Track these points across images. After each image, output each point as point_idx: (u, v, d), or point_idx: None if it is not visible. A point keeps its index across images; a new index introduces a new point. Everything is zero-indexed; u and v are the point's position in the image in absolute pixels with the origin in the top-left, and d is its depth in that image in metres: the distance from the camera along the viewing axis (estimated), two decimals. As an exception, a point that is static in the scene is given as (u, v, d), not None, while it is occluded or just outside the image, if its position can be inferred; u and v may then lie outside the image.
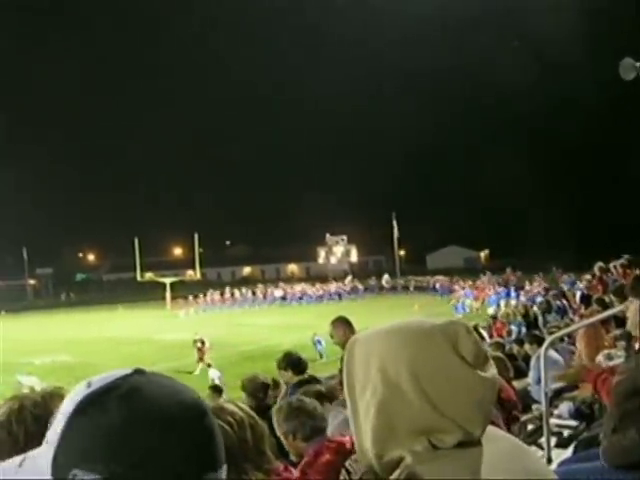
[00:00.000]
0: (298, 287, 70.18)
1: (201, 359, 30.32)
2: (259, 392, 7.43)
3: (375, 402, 1.32)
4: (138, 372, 1.15)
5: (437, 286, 65.19)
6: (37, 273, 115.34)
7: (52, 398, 2.14)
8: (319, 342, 29.14)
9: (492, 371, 1.36)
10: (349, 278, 72.45)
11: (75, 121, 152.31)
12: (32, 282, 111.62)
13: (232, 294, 68.10)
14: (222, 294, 68.31)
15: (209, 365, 26.88)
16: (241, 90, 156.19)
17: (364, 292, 68.14)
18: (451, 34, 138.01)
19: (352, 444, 1.46)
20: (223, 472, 1.11)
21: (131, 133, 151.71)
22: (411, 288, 69.50)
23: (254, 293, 68.66)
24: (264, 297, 67.66)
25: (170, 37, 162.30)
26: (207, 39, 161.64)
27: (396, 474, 1.27)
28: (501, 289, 48.45)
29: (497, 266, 71.18)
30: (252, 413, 3.15)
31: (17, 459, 1.10)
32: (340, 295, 66.67)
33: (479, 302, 46.14)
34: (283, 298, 66.97)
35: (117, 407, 1.04)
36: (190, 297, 65.65)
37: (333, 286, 69.61)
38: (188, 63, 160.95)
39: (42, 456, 1.07)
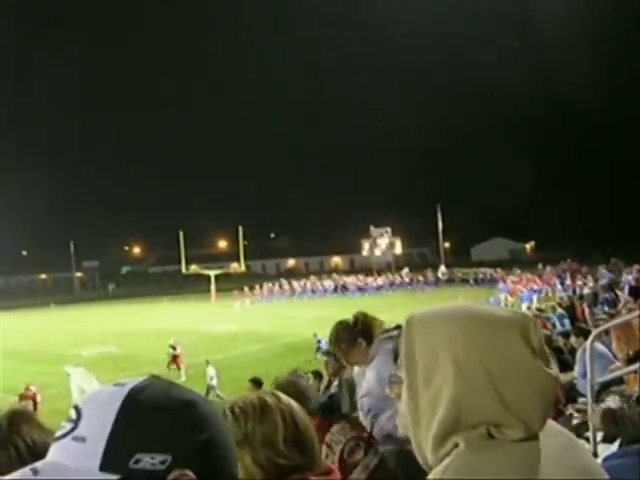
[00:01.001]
0: (348, 279, 69.96)
1: (174, 363, 29.00)
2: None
3: (448, 394, 1.25)
4: (156, 377, 1.22)
5: (481, 278, 64.70)
6: (84, 266, 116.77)
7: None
8: (319, 342, 28.45)
9: (555, 368, 1.32)
10: (406, 270, 71.87)
11: (123, 116, 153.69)
12: (79, 275, 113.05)
13: (284, 285, 68.20)
14: (281, 286, 68.42)
15: (207, 362, 25.74)
16: (285, 86, 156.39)
17: (407, 285, 67.65)
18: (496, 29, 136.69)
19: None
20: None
21: (177, 127, 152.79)
22: (456, 280, 68.90)
23: (304, 285, 68.65)
24: (324, 289, 67.50)
25: (219, 30, 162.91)
26: (255, 33, 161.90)
27: (447, 461, 1.23)
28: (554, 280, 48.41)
29: (542, 258, 70.43)
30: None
31: (26, 469, 1.09)
32: (384, 287, 66.44)
33: (514, 297, 45.48)
34: (344, 288, 66.65)
35: (167, 395, 1.15)
36: (246, 288, 65.88)
37: (382, 279, 69.29)
38: (233, 57, 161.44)
39: (74, 455, 1.10)
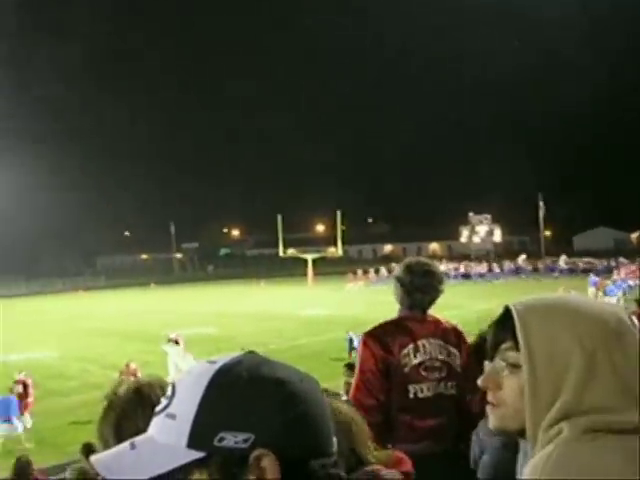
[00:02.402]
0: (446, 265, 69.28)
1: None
2: None
3: (573, 379, 1.28)
4: (252, 353, 1.22)
5: (585, 268, 62.82)
6: (183, 247, 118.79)
7: (150, 386, 2.05)
8: (351, 340, 27.72)
9: None
10: (523, 257, 70.40)
11: (219, 101, 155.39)
12: (179, 256, 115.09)
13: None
14: (390, 270, 67.87)
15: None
16: (389, 68, 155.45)
17: (505, 273, 66.35)
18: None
19: None
20: (336, 443, 1.20)
21: (274, 110, 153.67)
22: (556, 271, 67.09)
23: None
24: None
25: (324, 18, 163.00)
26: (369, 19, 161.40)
27: (549, 449, 1.25)
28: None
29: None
30: None
31: (125, 444, 1.16)
32: (484, 275, 65.44)
33: (600, 291, 43.79)
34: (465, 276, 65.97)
35: (256, 374, 1.14)
36: (359, 271, 66.17)
37: (484, 266, 68.34)
38: (347, 40, 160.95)
39: (165, 432, 1.14)
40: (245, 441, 1.09)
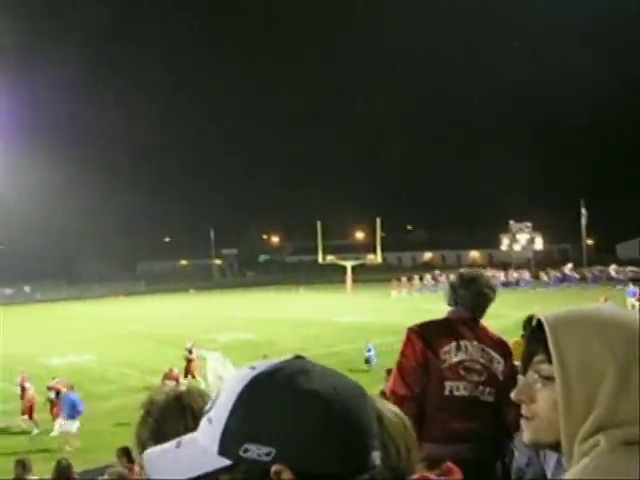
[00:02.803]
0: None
1: (189, 372, 25.77)
2: None
3: (607, 391, 1.25)
4: (299, 357, 1.19)
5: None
6: (223, 253, 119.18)
7: (189, 393, 2.07)
8: (369, 350, 27.53)
9: None
10: (569, 266, 69.50)
11: (261, 109, 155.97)
12: (218, 262, 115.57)
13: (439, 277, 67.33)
14: (434, 277, 67.55)
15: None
16: (426, 77, 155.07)
17: (550, 282, 65.53)
18: None
19: None
20: (378, 457, 1.16)
21: (319, 119, 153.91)
22: (603, 280, 65.81)
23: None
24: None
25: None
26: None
27: (585, 461, 1.23)
28: None
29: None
30: None
31: (173, 442, 1.19)
32: (521, 283, 64.84)
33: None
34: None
35: (287, 385, 1.11)
36: (403, 278, 65.88)
37: (527, 274, 67.75)
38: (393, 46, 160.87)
39: (204, 436, 1.15)
40: (267, 455, 1.08)
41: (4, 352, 35.62)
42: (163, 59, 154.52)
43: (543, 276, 66.88)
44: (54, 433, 19.32)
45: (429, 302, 51.60)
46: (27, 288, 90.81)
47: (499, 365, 4.32)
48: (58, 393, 20.71)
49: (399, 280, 65.22)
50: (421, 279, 67.46)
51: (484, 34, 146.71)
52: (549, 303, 31.19)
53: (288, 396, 1.10)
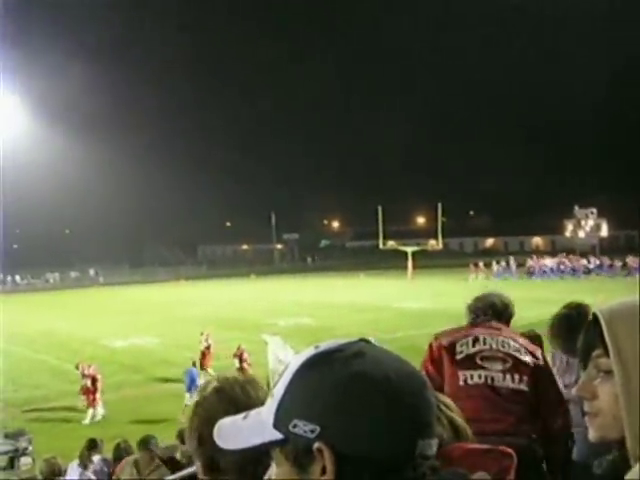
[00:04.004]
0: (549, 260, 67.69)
1: (203, 366, 24.29)
2: None
3: None
4: (364, 341, 1.21)
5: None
6: (284, 238, 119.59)
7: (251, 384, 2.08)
8: None
9: None
10: (632, 258, 67.86)
11: (321, 96, 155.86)
12: (279, 247, 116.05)
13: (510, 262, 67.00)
14: (507, 262, 67.39)
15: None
16: (492, 65, 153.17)
17: (610, 269, 64.16)
18: None
19: None
20: (435, 444, 1.17)
21: (380, 104, 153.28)
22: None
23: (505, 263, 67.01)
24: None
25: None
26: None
27: None
28: None
29: None
30: None
31: (242, 414, 1.26)
32: (590, 271, 63.68)
33: None
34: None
35: (340, 366, 1.13)
36: (480, 263, 65.53)
37: (592, 261, 66.56)
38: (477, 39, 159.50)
39: (266, 409, 1.19)
40: (312, 432, 1.10)
41: (70, 334, 36.37)
42: (234, 48, 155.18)
43: (606, 261, 65.57)
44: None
45: (504, 287, 50.99)
46: (92, 271, 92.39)
47: (527, 355, 4.27)
48: (94, 381, 20.71)
49: (476, 265, 64.66)
50: (498, 262, 67.00)
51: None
52: (613, 291, 30.53)
53: (338, 376, 1.12)
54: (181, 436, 11.47)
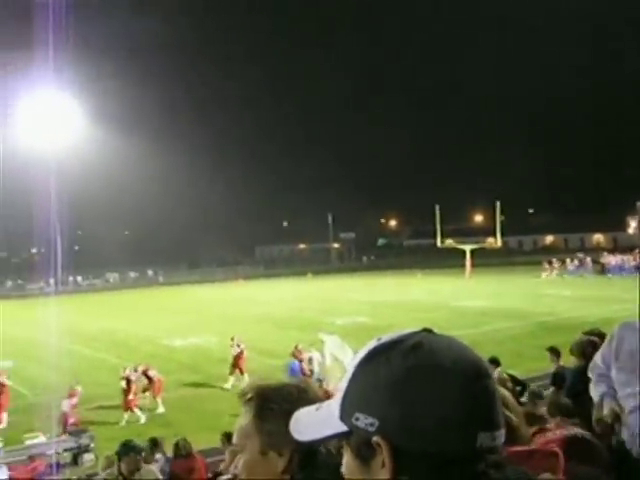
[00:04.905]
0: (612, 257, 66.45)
1: (235, 367, 24.30)
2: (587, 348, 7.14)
3: None
4: (427, 331, 1.22)
5: None
6: (341, 237, 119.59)
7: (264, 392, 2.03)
8: None
9: None
10: None
11: (384, 95, 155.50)
12: (336, 246, 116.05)
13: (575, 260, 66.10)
14: (573, 259, 66.51)
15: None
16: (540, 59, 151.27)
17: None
18: None
19: None
20: (500, 436, 1.14)
21: (437, 100, 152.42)
22: None
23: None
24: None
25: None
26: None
27: None
28: None
29: None
30: None
31: (315, 405, 1.29)
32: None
33: None
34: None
35: (400, 358, 1.13)
36: (554, 260, 64.68)
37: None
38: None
39: (335, 401, 1.21)
40: (371, 425, 1.11)
41: (129, 333, 36.87)
42: (303, 45, 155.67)
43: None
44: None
45: (568, 286, 50.58)
46: (150, 272, 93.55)
47: None
48: (129, 382, 20.76)
49: (550, 263, 63.85)
50: (572, 260, 66.03)
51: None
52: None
53: (395, 370, 1.11)
54: (226, 437, 11.60)
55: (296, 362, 21.67)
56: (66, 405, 19.09)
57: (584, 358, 6.99)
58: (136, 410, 20.38)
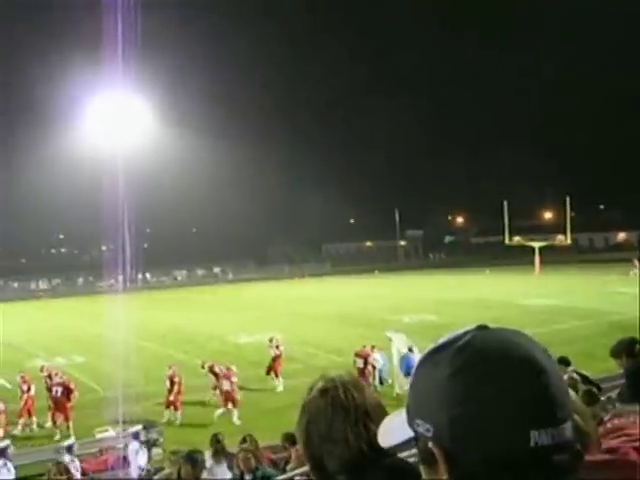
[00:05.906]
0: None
1: (271, 369, 23.97)
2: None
3: None
4: (481, 327, 1.18)
5: None
6: (408, 235, 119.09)
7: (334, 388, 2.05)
8: None
9: None
10: None
11: (453, 90, 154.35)
12: (403, 243, 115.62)
13: None
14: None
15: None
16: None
17: None
18: None
19: None
20: (565, 429, 1.09)
21: (494, 99, 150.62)
22: None
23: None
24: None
25: None
26: None
27: None
28: None
29: None
30: None
31: (399, 411, 1.25)
32: None
33: None
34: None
35: (449, 360, 1.11)
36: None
37: None
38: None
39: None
40: (427, 431, 1.10)
41: (197, 329, 37.23)
42: (352, 47, 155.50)
43: None
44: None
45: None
46: (216, 269, 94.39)
47: None
48: (172, 383, 20.86)
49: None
50: None
51: None
52: None
53: (442, 374, 1.10)
54: (286, 438, 11.65)
55: (411, 355, 20.75)
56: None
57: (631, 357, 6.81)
58: (178, 413, 20.47)
